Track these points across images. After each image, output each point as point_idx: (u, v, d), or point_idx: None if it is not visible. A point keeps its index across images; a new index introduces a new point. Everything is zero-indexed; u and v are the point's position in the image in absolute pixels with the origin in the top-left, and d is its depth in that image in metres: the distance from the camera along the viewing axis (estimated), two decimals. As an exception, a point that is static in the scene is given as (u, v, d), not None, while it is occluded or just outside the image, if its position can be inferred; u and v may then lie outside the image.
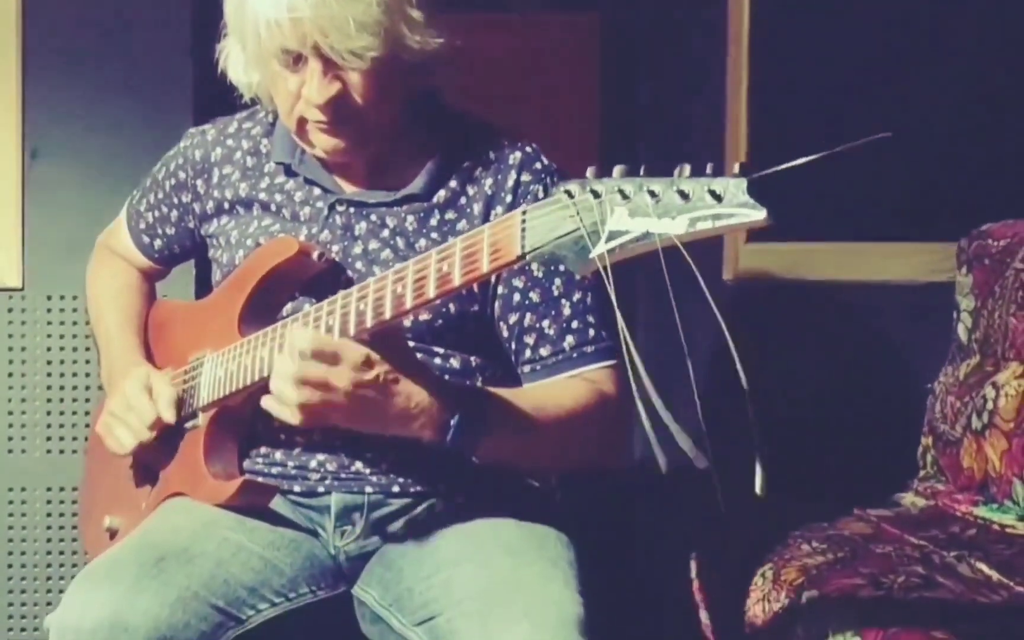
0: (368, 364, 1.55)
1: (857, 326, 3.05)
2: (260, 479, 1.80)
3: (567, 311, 1.80)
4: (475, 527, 1.73)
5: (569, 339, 1.79)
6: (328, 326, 1.59)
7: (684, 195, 1.26)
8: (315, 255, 1.78)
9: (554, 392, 1.76)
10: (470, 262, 1.43)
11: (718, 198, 1.24)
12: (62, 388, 2.68)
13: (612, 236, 1.30)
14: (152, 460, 1.89)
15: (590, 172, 1.35)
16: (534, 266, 1.79)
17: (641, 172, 1.32)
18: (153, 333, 2.02)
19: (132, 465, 1.93)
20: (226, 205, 1.91)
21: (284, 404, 1.56)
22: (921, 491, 2.67)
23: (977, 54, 2.85)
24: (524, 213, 1.38)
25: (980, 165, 2.88)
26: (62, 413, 2.68)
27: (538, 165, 1.83)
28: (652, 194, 1.28)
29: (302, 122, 1.76)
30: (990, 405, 2.56)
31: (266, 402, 1.60)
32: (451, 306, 1.78)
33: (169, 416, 1.82)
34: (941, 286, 2.89)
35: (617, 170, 1.33)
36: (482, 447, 1.63)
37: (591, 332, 1.80)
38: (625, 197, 1.30)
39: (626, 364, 1.28)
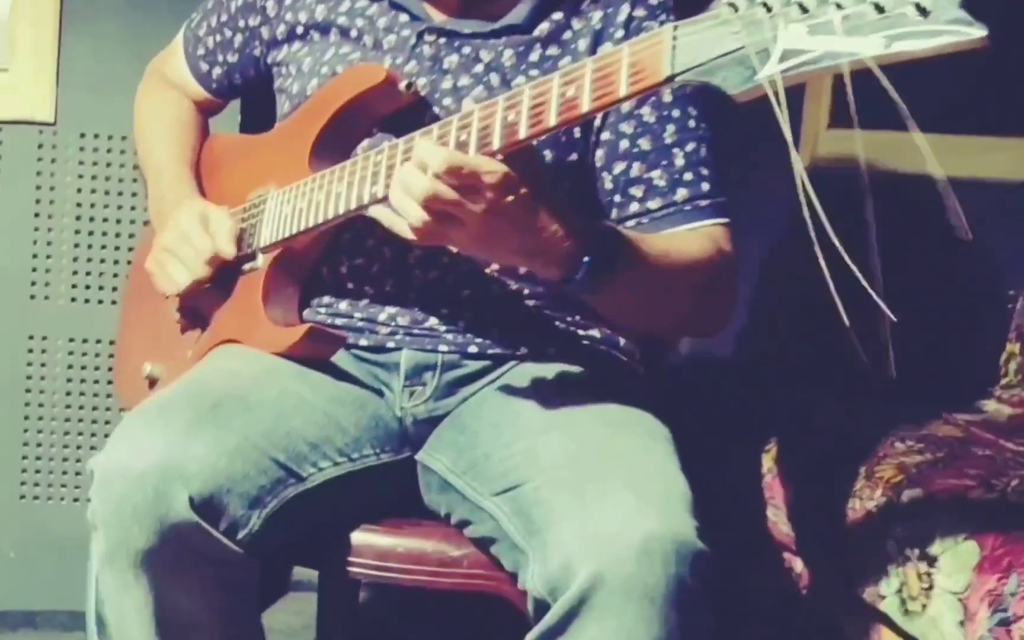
0: (508, 187, 1.32)
1: (941, 225, 2.86)
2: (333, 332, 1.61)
3: (680, 161, 1.61)
4: (561, 393, 1.55)
5: (681, 191, 1.60)
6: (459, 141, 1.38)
7: (879, 8, 1.06)
8: (403, 85, 1.59)
9: (677, 242, 1.56)
10: (604, 85, 1.24)
11: (923, 12, 1.04)
12: (91, 234, 2.47)
13: (785, 56, 1.11)
14: (201, 304, 1.71)
15: (751, -16, 1.15)
16: (645, 110, 1.60)
17: (817, -15, 1.11)
18: (206, 169, 1.82)
19: (179, 308, 1.74)
20: (299, 30, 1.71)
21: (404, 220, 1.36)
22: (1006, 399, 2.50)
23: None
24: (676, 28, 1.18)
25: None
26: (89, 260, 2.47)
27: (653, 0, 1.63)
28: (839, 7, 1.08)
29: None
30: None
31: (379, 211, 1.40)
32: (547, 153, 1.58)
33: (230, 250, 1.63)
34: None
35: (785, -18, 1.13)
36: (607, 292, 1.43)
37: (704, 185, 1.61)
38: (804, 10, 1.10)
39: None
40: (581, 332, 1.67)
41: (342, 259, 1.64)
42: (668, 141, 1.61)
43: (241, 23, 1.78)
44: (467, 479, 1.52)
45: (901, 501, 1.80)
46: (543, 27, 1.62)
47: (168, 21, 1.99)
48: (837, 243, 1.12)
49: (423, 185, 1.31)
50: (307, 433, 1.49)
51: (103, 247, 2.48)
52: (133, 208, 2.46)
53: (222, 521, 1.37)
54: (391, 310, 1.62)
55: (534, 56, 1.62)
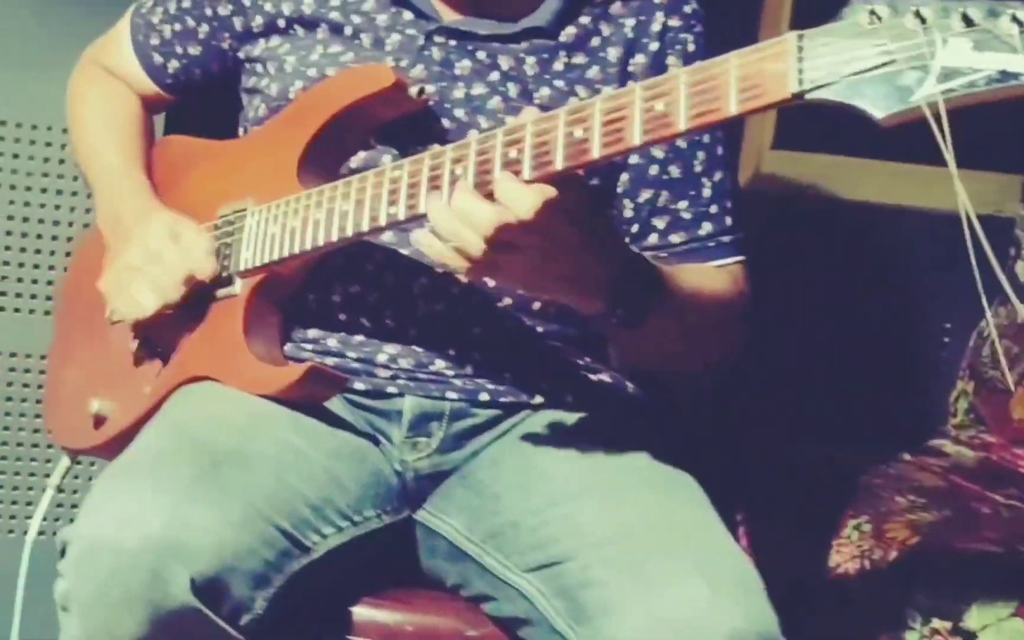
0: (571, 213, 1.16)
1: (879, 254, 2.77)
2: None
3: (707, 192, 1.46)
4: (588, 448, 1.37)
5: (706, 226, 1.46)
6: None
7: (1070, 25, 0.91)
8: (414, 91, 1.38)
9: (706, 280, 1.42)
10: (705, 101, 1.06)
11: (1125, 30, 0.89)
12: (24, 235, 2.13)
13: (947, 75, 0.95)
14: (162, 333, 1.47)
15: (893, -12, 0.99)
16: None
17: (975, -7, 0.96)
18: (162, 177, 1.58)
19: (135, 336, 1.50)
20: (280, 22, 1.49)
21: (461, 253, 1.17)
22: (964, 441, 2.39)
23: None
24: (801, 37, 1.01)
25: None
26: (21, 265, 2.13)
27: (688, 8, 1.47)
28: (1016, 20, 0.92)
29: None
30: (1059, 354, 2.30)
31: (425, 238, 1.20)
32: None
33: (209, 268, 1.40)
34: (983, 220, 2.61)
35: (939, -12, 0.97)
36: (641, 328, 1.28)
37: (728, 220, 1.47)
38: (969, 23, 0.94)
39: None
40: (593, 377, 1.49)
41: (334, 286, 1.43)
42: (697, 169, 1.45)
43: (208, 11, 1.54)
44: (488, 549, 1.33)
45: (922, 565, 1.66)
46: (569, 31, 1.44)
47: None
48: (1003, 279, 0.95)
49: (490, 216, 1.13)
50: (308, 494, 1.28)
51: (36, 252, 2.14)
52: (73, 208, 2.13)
53: (225, 605, 1.15)
54: (391, 349, 1.41)
55: (559, 65, 1.44)
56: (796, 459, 2.27)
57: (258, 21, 1.50)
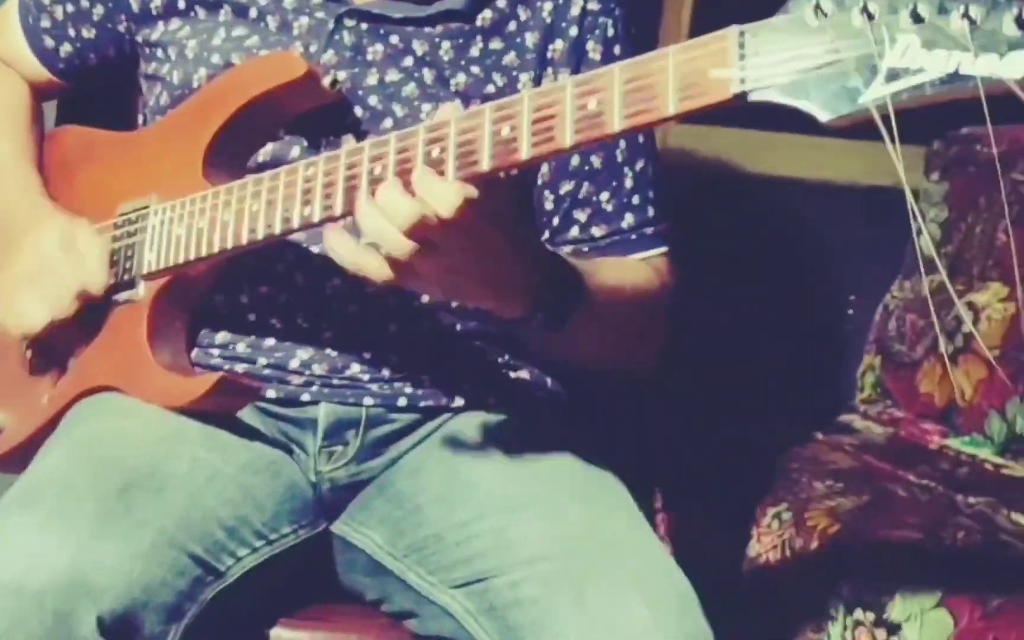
0: (497, 212, 1.10)
1: (783, 227, 2.76)
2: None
3: (629, 182, 1.41)
4: (513, 455, 1.32)
5: (628, 217, 1.41)
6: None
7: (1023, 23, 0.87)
8: (327, 81, 1.31)
9: (628, 275, 1.38)
10: (641, 100, 1.00)
11: (1083, 30, 0.86)
12: None
13: (895, 75, 0.91)
14: (58, 339, 1.38)
15: (834, -18, 0.95)
16: None
17: (923, -11, 0.92)
18: (55, 169, 1.49)
19: (28, 343, 1.41)
20: (180, 4, 1.40)
21: (381, 253, 1.10)
22: (872, 416, 2.40)
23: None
24: (742, 33, 0.96)
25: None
26: None
27: None
28: (967, 17, 0.89)
29: None
30: (966, 328, 2.30)
31: (338, 242, 1.12)
32: None
33: (101, 281, 1.32)
34: (877, 190, 2.62)
35: (879, -17, 0.93)
36: (566, 328, 1.22)
37: (651, 210, 1.43)
38: (917, 19, 0.90)
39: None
40: (513, 374, 1.44)
41: (243, 286, 1.36)
42: (619, 159, 1.41)
43: None
44: (410, 563, 1.28)
45: (843, 556, 1.65)
46: (485, 15, 1.38)
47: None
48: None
49: (408, 210, 1.06)
50: (223, 514, 1.21)
51: None
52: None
53: None
54: (304, 354, 1.34)
55: (475, 50, 1.38)
56: (707, 439, 2.25)
57: (156, 2, 1.42)
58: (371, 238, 1.09)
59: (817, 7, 0.94)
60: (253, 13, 1.37)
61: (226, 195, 1.26)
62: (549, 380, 1.47)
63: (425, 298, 1.35)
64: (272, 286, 1.35)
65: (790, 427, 2.30)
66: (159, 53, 1.41)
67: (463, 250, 1.09)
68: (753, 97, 0.95)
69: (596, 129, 1.02)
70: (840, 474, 1.92)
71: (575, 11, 1.39)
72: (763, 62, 0.95)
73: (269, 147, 1.35)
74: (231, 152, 1.33)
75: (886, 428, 2.34)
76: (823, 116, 0.93)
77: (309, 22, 1.36)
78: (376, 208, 1.08)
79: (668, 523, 1.99)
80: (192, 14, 1.39)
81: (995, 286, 2.30)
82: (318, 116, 1.33)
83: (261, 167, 1.34)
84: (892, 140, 0.90)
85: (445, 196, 1.06)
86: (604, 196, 1.40)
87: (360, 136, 1.34)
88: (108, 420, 1.27)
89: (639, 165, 1.41)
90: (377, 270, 1.10)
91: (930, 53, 0.90)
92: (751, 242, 2.63)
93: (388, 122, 1.34)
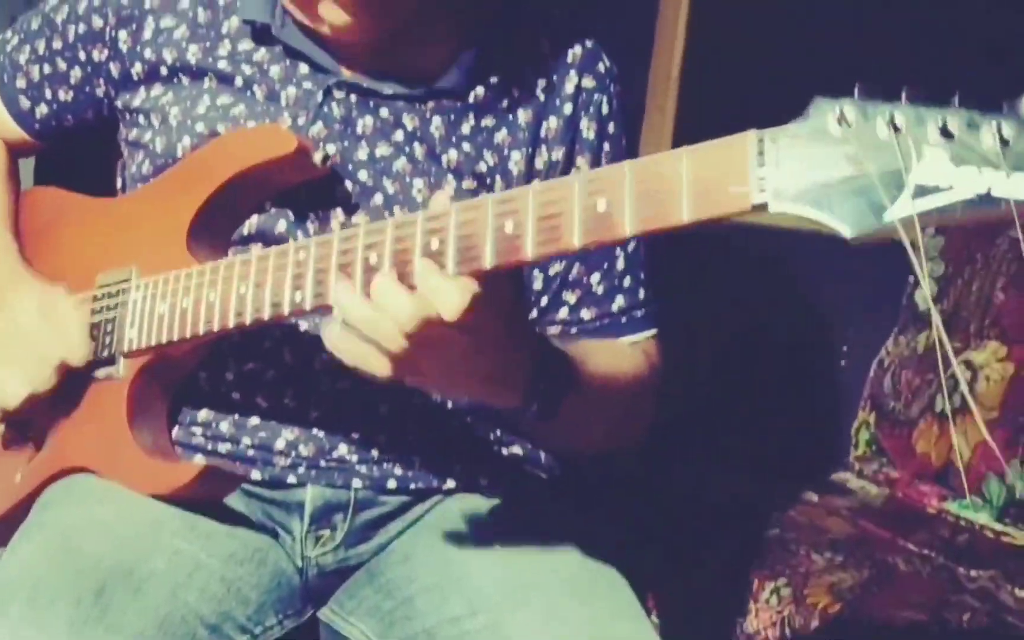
0: (499, 307, 1.05)
1: (773, 278, 2.72)
2: (218, 463, 1.27)
3: (620, 264, 1.37)
4: (507, 543, 1.27)
5: (619, 300, 1.37)
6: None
7: (1059, 144, 0.83)
8: (318, 157, 1.26)
9: (619, 360, 1.33)
10: (654, 203, 0.95)
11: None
12: None
13: (922, 192, 0.86)
14: (33, 413, 1.33)
15: (860, 89, 0.90)
16: (605, 148, 1.38)
17: (953, 99, 0.88)
18: (31, 233, 1.43)
19: (2, 418, 1.35)
20: (163, 70, 1.35)
21: (381, 354, 1.04)
22: (869, 475, 2.36)
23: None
24: (761, 139, 0.91)
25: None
26: None
27: (602, 67, 1.38)
28: (1000, 137, 0.84)
29: None
30: (964, 388, 2.26)
31: (335, 334, 1.06)
32: None
33: (83, 353, 1.27)
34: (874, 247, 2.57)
35: (907, 92, 0.89)
36: (557, 418, 1.18)
37: (641, 292, 1.39)
38: (947, 134, 0.86)
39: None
40: (506, 451, 1.39)
41: (228, 363, 1.31)
42: None
43: (81, 55, 1.40)
44: None
45: (847, 636, 1.60)
46: (478, 92, 1.34)
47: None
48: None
49: (411, 309, 1.01)
50: (205, 611, 1.16)
51: None
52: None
53: None
54: (290, 434, 1.29)
55: (466, 126, 1.33)
56: (700, 497, 2.21)
57: (138, 68, 1.36)
58: (367, 333, 1.04)
59: (840, 116, 0.89)
60: (239, 82, 1.32)
61: (211, 274, 1.21)
62: (543, 454, 1.42)
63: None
64: (258, 363, 1.30)
65: (784, 485, 2.26)
66: (141, 120, 1.36)
67: (463, 346, 1.04)
68: (773, 208, 0.90)
69: (606, 232, 0.97)
70: (838, 544, 1.87)
71: (569, 88, 1.35)
72: (783, 172, 0.90)
73: (255, 219, 1.30)
74: (216, 225, 1.27)
75: (882, 489, 2.30)
76: (847, 232, 0.88)
77: (297, 93, 1.31)
78: (367, 303, 1.03)
79: (656, 596, 1.95)
80: (176, 81, 1.34)
81: (993, 345, 2.26)
82: (306, 189, 1.29)
83: (246, 240, 1.29)
84: (920, 263, 0.85)
85: (449, 295, 1.01)
86: (595, 278, 1.36)
87: (350, 211, 1.29)
88: (84, 509, 1.22)
89: (631, 246, 1.37)
90: (381, 367, 1.04)
91: (959, 170, 0.85)
92: (743, 292, 2.59)
93: (378, 197, 1.29)
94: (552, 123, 1.34)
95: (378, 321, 1.03)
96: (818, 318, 2.68)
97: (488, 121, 1.33)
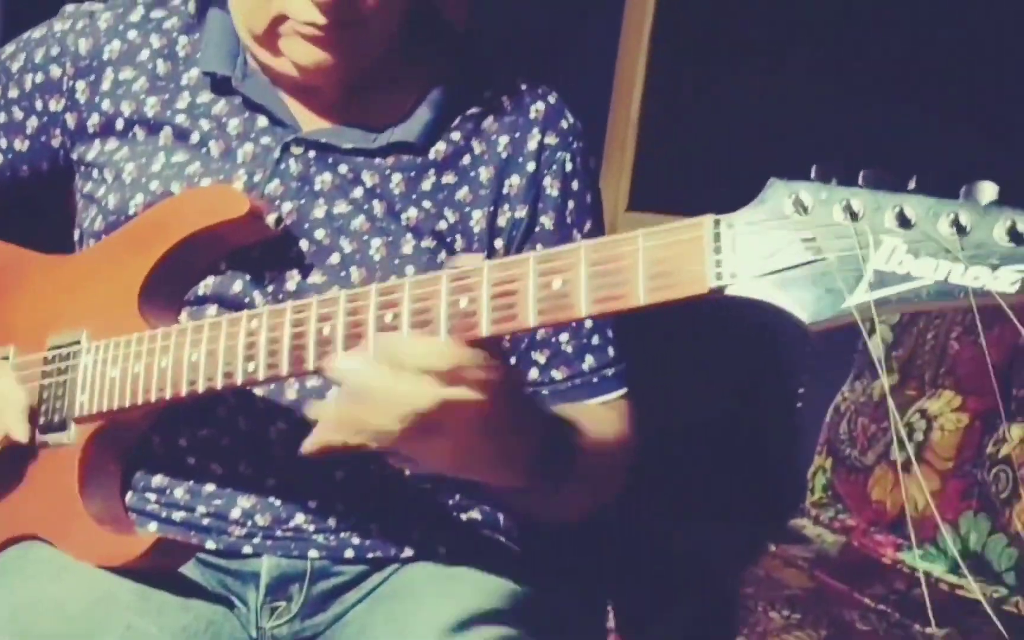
0: (508, 383, 1.05)
1: (731, 323, 2.72)
2: (171, 533, 1.25)
3: (588, 322, 1.36)
4: (467, 613, 1.25)
5: (588, 359, 1.36)
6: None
7: (1016, 235, 0.83)
8: (271, 220, 1.25)
9: (598, 425, 1.32)
10: (610, 284, 0.95)
11: (1078, 248, 0.82)
12: None
13: (880, 281, 0.86)
14: (-22, 480, 1.31)
15: (816, 172, 0.90)
16: (569, 205, 1.37)
17: (909, 183, 0.88)
18: None
19: (-53, 485, 1.33)
20: (119, 124, 1.34)
21: (377, 435, 1.03)
22: (825, 522, 2.36)
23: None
24: (718, 222, 0.91)
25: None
26: None
27: (564, 124, 1.38)
28: (958, 226, 0.84)
29: (278, 22, 1.23)
30: (919, 437, 2.27)
31: (327, 414, 1.05)
32: None
33: (22, 434, 1.25)
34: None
35: (863, 176, 0.89)
36: (560, 488, 1.18)
37: (610, 350, 1.37)
38: (904, 222, 0.86)
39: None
40: (464, 516, 1.38)
41: (182, 428, 1.29)
42: None
43: (38, 104, 1.38)
44: None
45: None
46: (439, 148, 1.33)
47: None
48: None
49: (408, 387, 1.01)
50: None
51: None
52: None
53: None
54: (246, 502, 1.28)
55: (427, 183, 1.32)
56: (660, 546, 2.20)
57: (94, 120, 1.35)
58: (367, 412, 1.02)
59: (797, 200, 0.89)
60: (195, 138, 1.31)
61: (163, 340, 1.19)
62: (501, 517, 1.41)
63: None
64: (213, 429, 1.28)
65: (743, 532, 2.26)
66: (95, 174, 1.34)
67: (468, 428, 1.03)
68: (730, 292, 0.90)
69: (562, 311, 0.97)
70: (796, 602, 1.87)
71: (532, 146, 1.34)
72: (740, 257, 0.90)
73: (210, 280, 1.29)
74: (168, 287, 1.26)
75: (838, 537, 2.31)
76: (804, 318, 0.88)
77: (254, 149, 1.30)
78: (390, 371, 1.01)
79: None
80: (131, 135, 1.33)
81: (947, 395, 2.26)
82: (262, 248, 1.28)
83: (201, 300, 1.28)
84: (877, 352, 0.85)
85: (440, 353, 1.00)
86: (564, 337, 1.35)
87: (306, 271, 1.28)
88: (35, 585, 1.19)
89: None
90: (389, 435, 1.03)
91: (917, 260, 0.86)
92: (699, 337, 2.59)
93: (335, 257, 1.28)
94: (514, 181, 1.34)
95: (391, 390, 1.01)
96: (774, 362, 2.68)
97: (449, 178, 1.32)
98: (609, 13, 2.67)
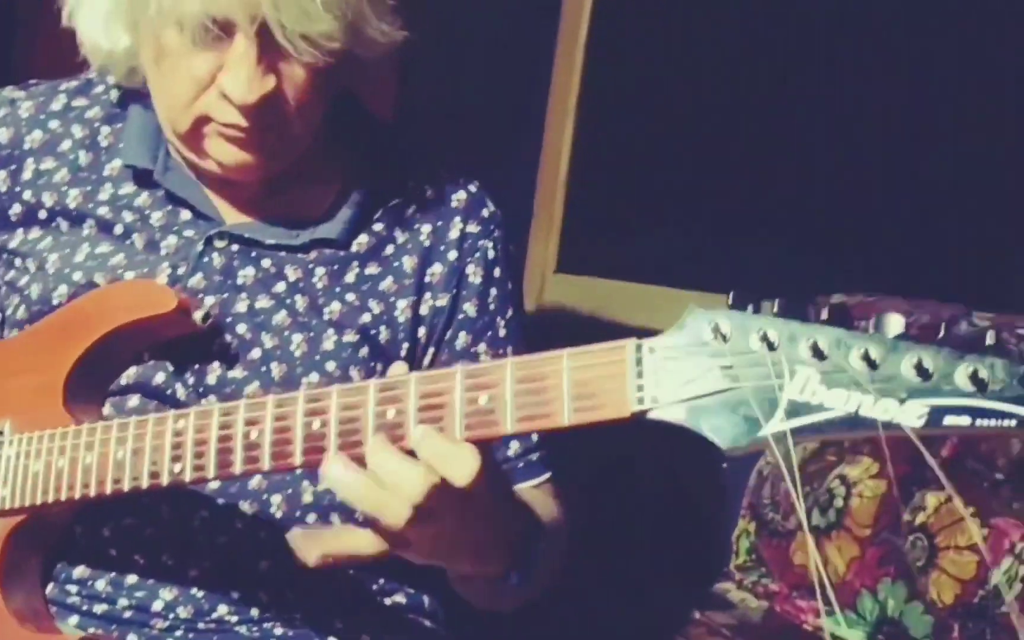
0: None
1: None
2: (92, 627, 1.25)
3: None
4: None
5: (514, 445, 1.39)
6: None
7: (923, 372, 0.86)
8: (198, 316, 1.25)
9: (547, 508, 1.36)
10: (535, 403, 0.97)
11: (980, 384, 0.85)
12: None
13: (795, 411, 0.89)
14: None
15: (734, 297, 0.93)
16: (481, 347, 1.38)
17: (822, 314, 0.91)
18: None
19: None
20: (41, 214, 1.34)
21: (384, 526, 1.02)
22: (749, 586, 2.39)
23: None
24: (639, 347, 0.93)
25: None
26: None
27: (486, 212, 1.41)
28: (868, 360, 0.87)
29: (201, 122, 1.23)
30: (839, 503, 2.31)
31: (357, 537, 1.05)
32: None
33: None
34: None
35: (773, 305, 0.92)
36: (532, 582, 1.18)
37: (534, 436, 1.39)
38: (817, 354, 0.89)
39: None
40: (389, 600, 1.39)
41: (105, 518, 1.29)
42: None
43: None
44: None
45: None
46: (361, 240, 1.35)
47: None
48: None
49: (423, 481, 0.99)
50: None
51: None
52: None
53: None
54: (168, 594, 1.28)
55: (350, 276, 1.34)
56: (587, 623, 2.22)
57: (16, 209, 1.35)
58: (373, 508, 1.01)
59: (716, 328, 0.91)
60: (119, 229, 1.32)
61: (88, 435, 1.19)
62: (426, 599, 1.42)
63: (296, 530, 1.29)
64: (136, 519, 1.28)
65: (669, 597, 2.28)
66: (17, 262, 1.34)
67: (458, 514, 1.03)
68: (652, 416, 0.92)
69: (487, 427, 0.99)
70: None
71: (454, 234, 1.37)
72: (661, 382, 0.92)
73: (133, 370, 1.29)
74: (93, 379, 1.26)
75: (761, 602, 2.33)
76: (722, 444, 0.91)
77: (177, 241, 1.31)
78: (376, 479, 1.00)
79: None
80: (54, 225, 1.33)
81: (866, 461, 2.30)
82: (185, 340, 1.28)
83: (124, 390, 1.29)
84: (794, 480, 0.88)
85: (463, 461, 0.99)
86: None
87: (227, 364, 1.30)
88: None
89: None
90: (375, 546, 1.04)
91: (830, 391, 0.88)
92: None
93: (256, 352, 1.29)
94: (437, 269, 1.36)
95: (382, 497, 1.00)
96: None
97: (373, 269, 1.34)
98: (538, 75, 2.70)
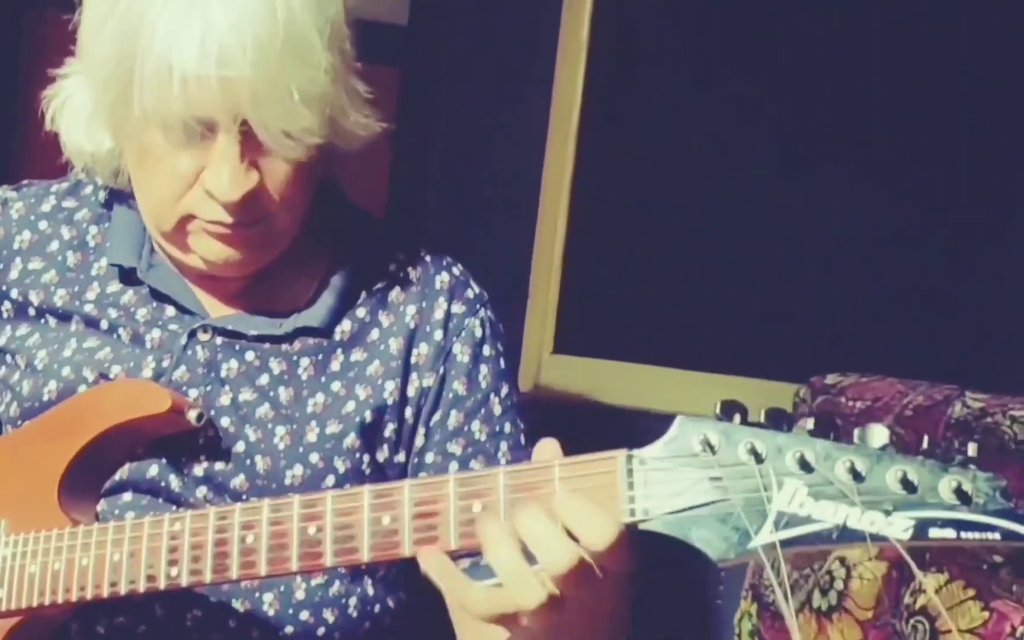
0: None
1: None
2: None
3: (497, 409, 1.39)
4: None
5: (503, 447, 1.39)
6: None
7: (909, 484, 0.87)
8: (192, 416, 1.27)
9: None
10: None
11: (965, 498, 0.86)
12: None
13: (784, 522, 0.90)
14: None
15: (720, 408, 0.94)
16: (476, 425, 1.38)
17: (807, 424, 0.92)
18: None
19: None
20: (30, 311, 1.36)
21: (520, 606, 0.99)
22: (750, 668, 2.38)
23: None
24: (630, 458, 0.94)
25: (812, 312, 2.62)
26: None
27: (470, 293, 1.42)
28: (854, 473, 0.88)
29: (186, 221, 1.26)
30: (839, 585, 2.30)
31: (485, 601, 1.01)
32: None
33: None
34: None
35: (766, 414, 0.93)
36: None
37: (522, 439, 1.40)
38: (805, 466, 0.90)
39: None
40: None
41: (99, 616, 1.29)
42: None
43: None
44: None
45: None
46: (345, 327, 1.36)
47: None
48: None
49: (570, 555, 0.96)
50: None
51: None
52: None
53: None
54: None
55: (335, 364, 1.35)
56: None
57: (5, 306, 1.38)
58: (514, 585, 0.98)
59: (705, 440, 0.92)
60: (104, 325, 1.34)
61: (84, 537, 1.20)
62: None
63: (289, 627, 1.30)
64: (129, 617, 1.29)
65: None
66: (7, 359, 1.36)
67: (580, 603, 1.00)
68: (643, 528, 0.94)
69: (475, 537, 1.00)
70: None
71: (439, 314, 1.37)
72: (652, 493, 0.94)
73: (126, 466, 1.30)
74: (88, 478, 1.27)
75: (763, 686, 2.33)
76: (713, 555, 0.92)
77: (162, 336, 1.33)
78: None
79: None
80: (43, 322, 1.35)
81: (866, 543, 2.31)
82: (175, 435, 1.29)
83: (117, 486, 1.30)
84: (784, 591, 0.89)
85: (603, 526, 0.96)
86: (475, 426, 1.38)
87: (213, 457, 1.30)
88: None
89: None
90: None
91: (818, 503, 0.90)
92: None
93: (240, 445, 1.31)
94: (423, 350, 1.36)
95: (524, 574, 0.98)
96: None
97: (357, 355, 1.35)
98: (532, 154, 2.71)
